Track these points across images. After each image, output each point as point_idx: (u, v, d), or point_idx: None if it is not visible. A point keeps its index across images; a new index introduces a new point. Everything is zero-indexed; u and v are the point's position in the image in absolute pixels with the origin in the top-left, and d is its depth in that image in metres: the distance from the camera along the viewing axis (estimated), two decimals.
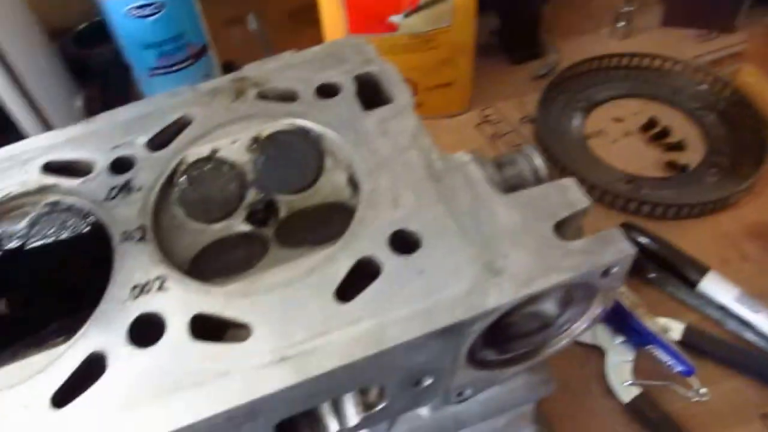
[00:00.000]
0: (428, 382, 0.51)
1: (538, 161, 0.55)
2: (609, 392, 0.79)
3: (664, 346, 0.77)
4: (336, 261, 0.48)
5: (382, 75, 0.61)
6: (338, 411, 0.53)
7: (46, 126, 0.97)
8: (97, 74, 1.22)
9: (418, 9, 0.94)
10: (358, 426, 0.53)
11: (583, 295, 0.51)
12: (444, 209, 0.49)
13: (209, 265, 0.52)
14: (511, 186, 0.55)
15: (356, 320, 0.45)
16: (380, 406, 0.52)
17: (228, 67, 1.18)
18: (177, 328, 0.46)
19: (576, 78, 1.10)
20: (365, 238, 0.49)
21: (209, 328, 0.47)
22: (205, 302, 0.47)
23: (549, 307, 0.56)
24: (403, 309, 0.45)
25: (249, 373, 0.44)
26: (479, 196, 0.50)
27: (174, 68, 1.08)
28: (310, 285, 0.47)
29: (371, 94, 0.61)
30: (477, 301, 0.45)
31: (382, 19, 0.95)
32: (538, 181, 0.56)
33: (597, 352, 0.81)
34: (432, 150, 0.53)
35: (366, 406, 0.53)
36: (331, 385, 0.46)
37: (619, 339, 0.81)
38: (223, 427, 0.44)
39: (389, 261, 0.47)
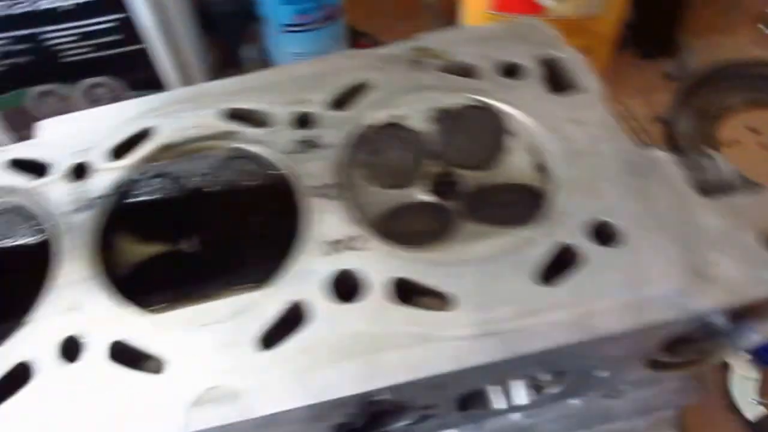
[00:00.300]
0: (606, 374, 0.51)
1: (728, 168, 0.55)
2: (732, 407, 0.78)
3: None
4: (536, 244, 0.48)
5: (568, 62, 0.60)
6: (508, 390, 0.53)
7: (186, 78, 0.98)
8: (216, 24, 1.23)
9: None
10: (526, 407, 0.53)
11: None
12: (644, 206, 0.49)
13: (396, 230, 0.52)
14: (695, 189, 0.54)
15: (563, 305, 0.45)
16: (553, 391, 0.52)
17: (354, 33, 1.17)
18: (378, 288, 0.47)
19: (713, 81, 1.07)
20: (564, 225, 0.49)
21: (404, 293, 0.48)
22: (404, 267, 0.48)
23: (719, 317, 0.55)
24: (609, 300, 0.45)
25: (455, 343, 0.44)
26: (680, 197, 0.50)
27: (308, 27, 1.08)
28: (510, 263, 0.48)
29: (555, 78, 0.60)
30: (689, 303, 0.45)
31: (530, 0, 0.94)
32: (726, 187, 0.55)
33: (723, 365, 0.80)
34: (628, 144, 0.53)
35: (537, 388, 0.53)
36: (528, 365, 0.46)
37: (747, 355, 0.80)
38: (421, 391, 0.45)
39: (591, 251, 0.47)
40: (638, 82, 1.12)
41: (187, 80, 0.99)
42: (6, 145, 0.92)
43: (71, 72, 0.90)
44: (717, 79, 1.06)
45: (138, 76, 0.93)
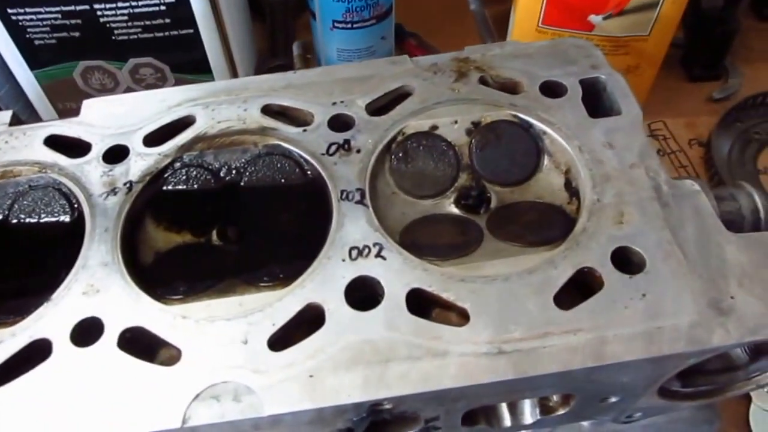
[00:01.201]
0: (614, 400, 0.51)
1: (762, 202, 0.54)
2: None
3: None
4: (557, 266, 0.49)
5: (609, 83, 0.60)
6: (515, 409, 0.54)
7: (233, 65, 0.99)
8: (268, 15, 1.25)
9: (621, 13, 0.92)
10: (531, 426, 0.53)
11: None
12: (670, 235, 0.49)
13: (420, 241, 0.53)
14: (725, 222, 0.54)
15: (576, 329, 0.46)
16: (560, 412, 0.52)
17: (397, 31, 1.18)
18: (394, 298, 0.48)
19: (757, 108, 1.07)
20: (588, 249, 0.49)
21: (420, 304, 0.48)
22: (424, 279, 0.49)
23: (738, 352, 0.55)
24: (623, 328, 0.45)
25: (465, 359, 0.45)
26: (708, 229, 0.50)
27: (357, 24, 1.08)
28: (529, 285, 0.48)
29: (594, 100, 0.60)
30: (701, 337, 0.45)
31: (581, 16, 0.94)
32: (757, 222, 0.55)
33: (743, 395, 0.79)
34: (660, 172, 0.53)
35: (544, 409, 0.53)
36: (536, 386, 0.46)
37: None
38: (426, 404, 0.46)
39: (611, 277, 0.48)
40: (683, 104, 1.11)
41: (233, 68, 1.00)
42: (49, 115, 0.95)
43: (119, 50, 0.91)
44: (762, 106, 1.05)
45: (185, 59, 0.95)
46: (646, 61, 0.97)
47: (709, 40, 1.10)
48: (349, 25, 1.03)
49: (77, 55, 0.93)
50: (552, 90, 0.60)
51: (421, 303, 0.48)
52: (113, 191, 0.55)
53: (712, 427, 0.60)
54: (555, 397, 0.53)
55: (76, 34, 0.88)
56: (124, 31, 0.89)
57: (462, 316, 0.47)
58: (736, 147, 1.02)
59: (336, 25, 1.03)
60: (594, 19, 0.92)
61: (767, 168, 1.00)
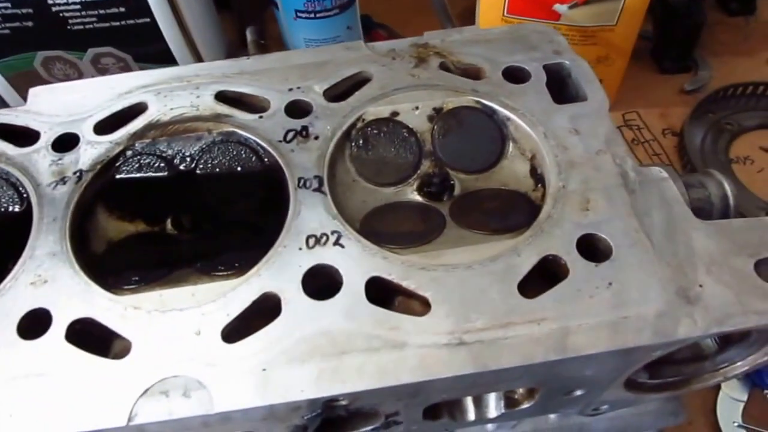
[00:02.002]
0: (579, 393, 0.50)
1: (731, 189, 0.53)
2: (716, 427, 0.76)
3: None
4: (521, 253, 0.47)
5: (573, 69, 0.59)
6: (479, 402, 0.52)
7: (197, 55, 0.97)
8: (233, 5, 1.22)
9: (587, 2, 0.91)
10: (496, 419, 0.52)
11: (759, 339, 0.49)
12: (637, 223, 0.48)
13: (381, 229, 0.51)
14: (694, 210, 0.53)
15: (540, 319, 0.44)
16: (525, 406, 0.50)
17: (365, 22, 1.16)
18: (353, 287, 0.46)
19: (728, 100, 1.07)
20: (553, 237, 0.48)
21: (380, 293, 0.46)
22: (383, 267, 0.47)
23: (707, 341, 0.54)
24: (588, 318, 0.44)
25: (424, 351, 0.43)
26: (675, 217, 0.48)
27: (320, 14, 1.07)
28: (492, 273, 0.46)
29: (559, 87, 0.58)
30: (667, 328, 0.43)
31: (546, 5, 0.93)
32: (725, 209, 0.53)
33: None
34: (627, 159, 0.51)
35: (509, 402, 0.51)
36: (498, 380, 0.45)
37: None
38: (384, 399, 0.44)
39: (577, 264, 0.46)
40: (654, 95, 1.11)
41: (198, 58, 0.98)
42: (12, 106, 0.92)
43: (77, 39, 0.89)
44: (733, 98, 1.05)
45: (146, 49, 0.93)
46: (614, 51, 0.96)
47: (677, 33, 1.10)
48: (312, 15, 1.02)
49: (33, 45, 0.91)
50: (515, 76, 0.58)
51: (381, 292, 0.46)
52: (62, 180, 0.53)
53: (678, 419, 0.58)
54: (520, 390, 0.51)
55: (29, 23, 0.86)
56: (79, 20, 0.86)
57: (424, 306, 0.45)
58: (708, 137, 1.02)
59: (299, 14, 1.02)
60: (559, 8, 0.91)
61: (739, 157, 1.00)
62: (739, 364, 0.52)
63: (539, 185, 0.52)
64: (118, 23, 0.86)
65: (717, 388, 0.78)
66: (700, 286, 0.45)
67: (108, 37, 0.89)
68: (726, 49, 1.15)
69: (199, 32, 0.98)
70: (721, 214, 0.52)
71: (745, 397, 0.78)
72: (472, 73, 0.59)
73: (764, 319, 0.43)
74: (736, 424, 0.76)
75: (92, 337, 0.46)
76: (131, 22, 0.86)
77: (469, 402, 0.52)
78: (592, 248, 0.47)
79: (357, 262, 0.47)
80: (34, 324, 0.46)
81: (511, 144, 0.56)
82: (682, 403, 0.60)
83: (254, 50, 1.03)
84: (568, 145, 0.52)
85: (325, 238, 0.48)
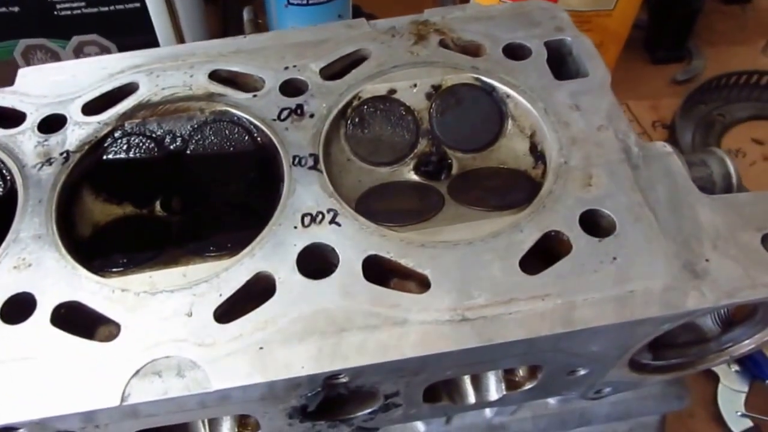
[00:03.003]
0: (583, 372, 0.48)
1: (732, 167, 0.52)
2: (718, 418, 0.75)
3: None
4: (522, 229, 0.46)
5: (575, 45, 0.58)
6: (479, 385, 0.51)
7: (179, 34, 0.95)
8: None
9: None
10: (496, 402, 0.50)
11: (766, 316, 0.48)
12: (641, 198, 0.47)
13: (377, 208, 0.50)
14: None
15: (543, 295, 0.43)
16: (527, 387, 0.49)
17: (356, 12, 1.15)
18: (349, 265, 0.44)
19: (720, 90, 1.05)
20: (554, 212, 0.46)
21: (378, 273, 0.45)
22: (381, 245, 0.45)
23: (709, 323, 0.53)
24: (593, 292, 0.43)
25: (426, 327, 0.42)
26: (680, 191, 0.47)
27: (312, 2, 1.05)
28: (493, 249, 0.45)
29: (560, 64, 0.57)
30: (675, 301, 0.42)
31: None
32: (728, 188, 0.52)
33: (710, 375, 0.78)
34: (629, 134, 0.50)
35: (510, 384, 0.50)
36: (502, 355, 0.43)
37: (735, 367, 0.77)
38: (384, 376, 0.42)
39: (580, 240, 0.45)
40: (646, 86, 1.10)
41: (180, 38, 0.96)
42: None
43: (62, 26, 0.87)
44: (726, 88, 1.04)
45: (133, 37, 0.90)
46: (610, 37, 0.95)
47: (673, 21, 1.08)
48: (305, 2, 1.00)
49: (17, 32, 0.88)
50: (515, 52, 0.57)
51: (378, 271, 0.45)
52: (48, 161, 0.52)
53: (682, 403, 0.57)
54: (521, 372, 0.50)
55: (15, 8, 0.84)
56: (67, 5, 0.84)
57: (422, 284, 0.44)
58: (699, 129, 1.00)
59: (291, 2, 1.00)
60: None
61: (731, 150, 0.99)
62: (745, 342, 0.51)
63: (539, 162, 0.51)
64: (107, 8, 0.84)
65: (716, 381, 0.78)
66: (707, 260, 0.44)
67: (95, 24, 0.88)
68: (722, 38, 1.14)
69: (188, 22, 0.96)
70: (723, 192, 0.51)
71: (745, 389, 0.77)
72: (472, 50, 0.58)
73: None
74: (739, 413, 0.75)
75: (78, 322, 0.44)
76: (120, 7, 0.84)
77: (468, 385, 0.51)
78: (595, 224, 0.46)
79: (354, 240, 0.45)
80: (16, 309, 0.44)
81: (510, 122, 0.54)
82: (686, 388, 0.59)
83: (251, 30, 1.01)
84: (569, 121, 0.51)
85: (320, 216, 0.47)
